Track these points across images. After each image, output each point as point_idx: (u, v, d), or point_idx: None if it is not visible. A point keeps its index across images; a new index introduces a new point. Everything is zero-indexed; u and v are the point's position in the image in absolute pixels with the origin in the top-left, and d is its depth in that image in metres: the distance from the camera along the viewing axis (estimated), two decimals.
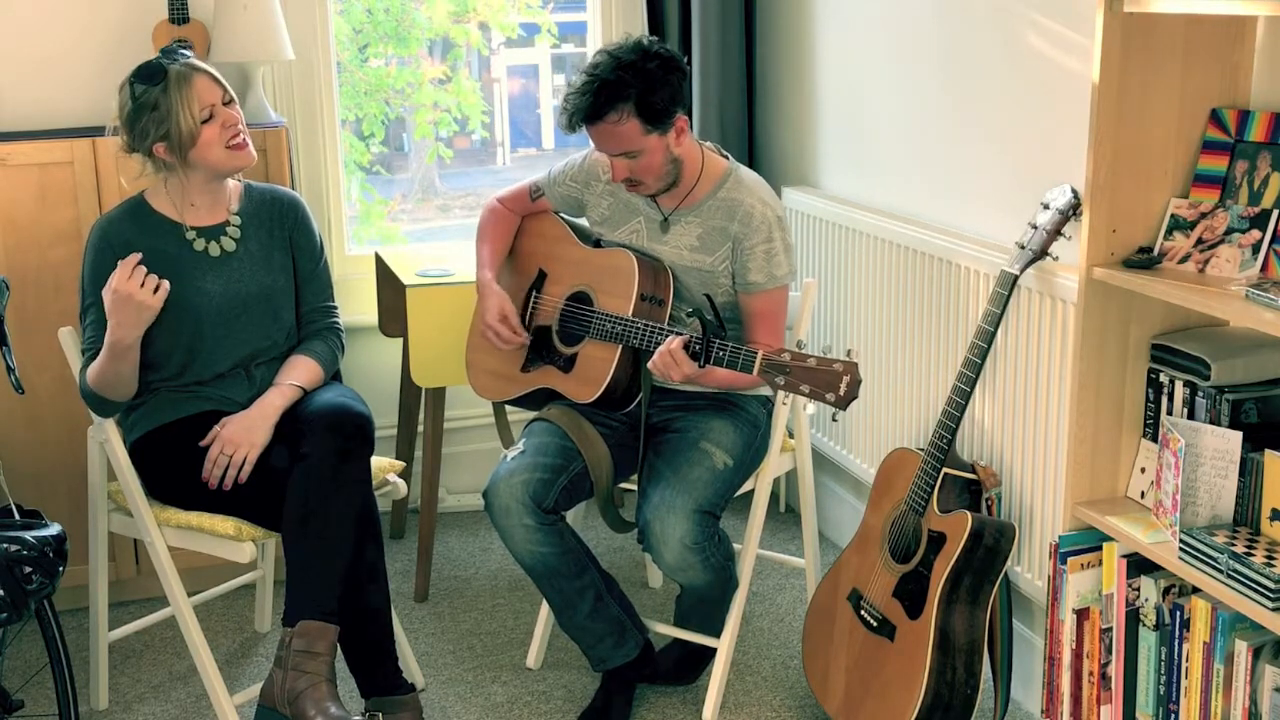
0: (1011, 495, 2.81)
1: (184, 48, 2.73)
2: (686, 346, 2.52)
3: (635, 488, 2.81)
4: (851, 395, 2.38)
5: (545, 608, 3.08)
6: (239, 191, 2.84)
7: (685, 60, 2.76)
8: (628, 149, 2.62)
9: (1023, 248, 2.56)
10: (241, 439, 2.65)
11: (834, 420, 2.53)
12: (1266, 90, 2.27)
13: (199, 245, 2.76)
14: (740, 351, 2.47)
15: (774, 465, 2.93)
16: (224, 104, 2.70)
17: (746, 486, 2.88)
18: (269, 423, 2.68)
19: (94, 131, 3.29)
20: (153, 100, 2.65)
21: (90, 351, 2.70)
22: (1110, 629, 2.38)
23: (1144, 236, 2.33)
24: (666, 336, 2.60)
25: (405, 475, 3.01)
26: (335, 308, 2.93)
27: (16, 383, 2.62)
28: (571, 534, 2.73)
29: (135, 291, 2.57)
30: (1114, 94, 2.24)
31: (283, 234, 2.85)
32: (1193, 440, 2.21)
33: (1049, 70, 2.68)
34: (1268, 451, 2.14)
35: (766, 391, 2.91)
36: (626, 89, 2.57)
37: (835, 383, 2.38)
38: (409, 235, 4.67)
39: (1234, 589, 2.07)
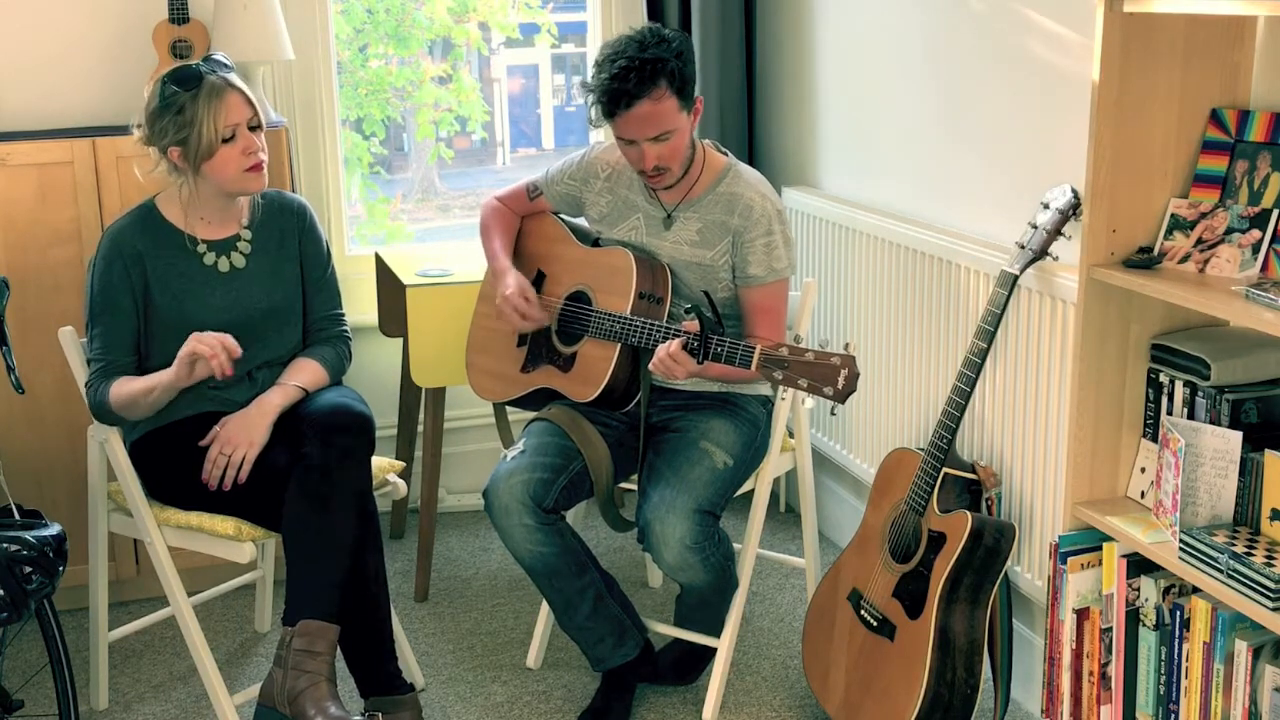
0: (1011, 495, 2.81)
1: (226, 63, 2.71)
2: (685, 346, 2.52)
3: (635, 487, 2.81)
4: (849, 389, 2.38)
5: (545, 608, 3.08)
6: (248, 202, 2.83)
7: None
8: (665, 128, 2.64)
9: (1023, 248, 2.56)
10: (240, 439, 2.65)
11: (832, 414, 2.53)
12: (1266, 90, 2.27)
13: (209, 259, 2.75)
14: (738, 347, 2.48)
15: (774, 465, 2.93)
16: (250, 127, 2.67)
17: (746, 486, 2.88)
18: (268, 421, 2.68)
19: (94, 131, 3.29)
20: (180, 104, 2.63)
21: (101, 364, 2.69)
22: (1110, 629, 2.38)
23: (1144, 236, 2.33)
24: (665, 334, 2.60)
25: (405, 475, 3.01)
26: (343, 315, 2.92)
27: (16, 383, 2.62)
28: (571, 534, 2.73)
29: (211, 362, 2.57)
30: (1114, 94, 2.24)
31: (293, 245, 2.84)
32: (1193, 440, 2.21)
33: (1049, 70, 2.68)
34: (1268, 451, 2.13)
35: (767, 391, 2.91)
36: (663, 63, 2.61)
37: (833, 376, 2.38)
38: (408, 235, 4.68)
39: (1234, 589, 2.07)
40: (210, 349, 2.56)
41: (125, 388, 2.67)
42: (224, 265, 2.76)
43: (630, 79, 2.59)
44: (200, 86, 2.63)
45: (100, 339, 2.70)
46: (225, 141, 2.64)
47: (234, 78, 2.68)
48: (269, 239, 2.81)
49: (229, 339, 2.60)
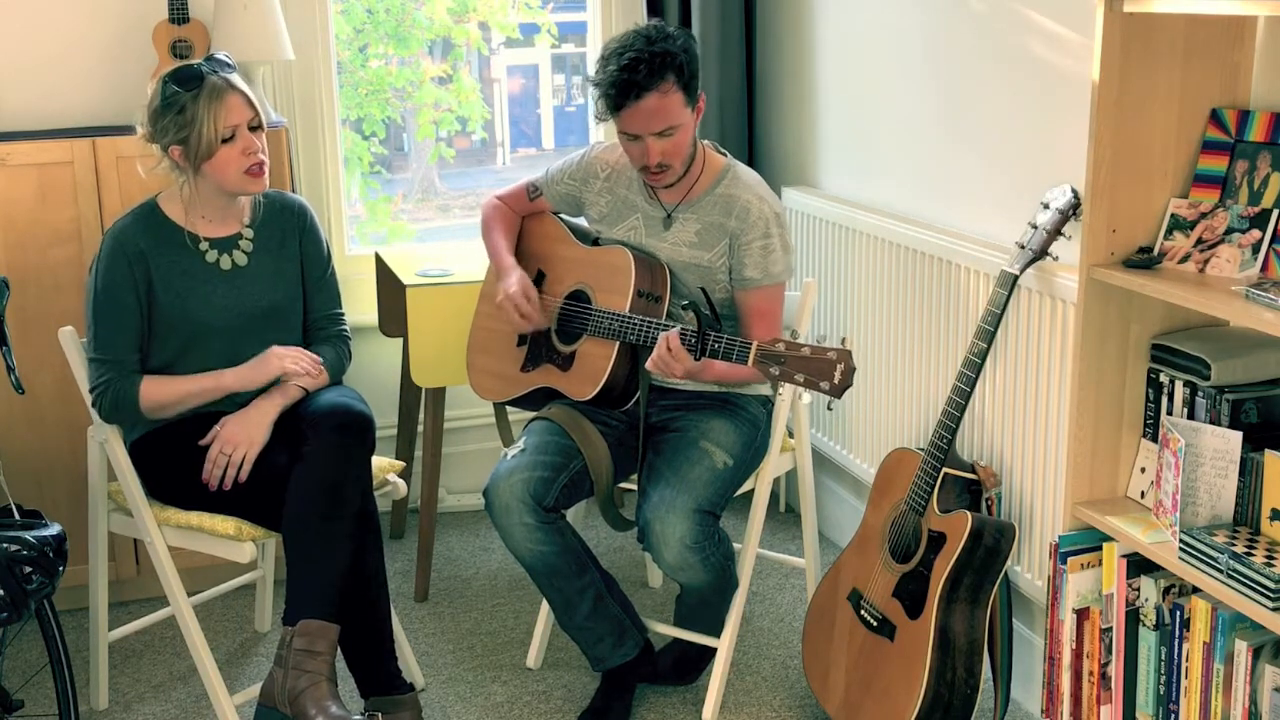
0: (1011, 495, 2.81)
1: (228, 63, 2.71)
2: (682, 339, 2.52)
3: (635, 487, 2.81)
4: (846, 383, 2.38)
5: (545, 608, 3.08)
6: (250, 201, 2.82)
7: None
8: (670, 123, 2.64)
9: (1023, 248, 2.56)
10: (240, 438, 2.65)
11: (829, 409, 2.53)
12: (1266, 90, 2.27)
13: (211, 257, 2.75)
14: (735, 343, 2.48)
15: (774, 465, 2.93)
16: (250, 128, 2.67)
17: (746, 486, 2.88)
18: (268, 420, 2.68)
19: (94, 131, 3.29)
20: (180, 104, 2.63)
21: (108, 363, 2.68)
22: (1110, 629, 2.38)
23: (1144, 236, 2.33)
24: (664, 331, 2.60)
25: (405, 475, 3.01)
26: (343, 315, 2.92)
27: (16, 383, 2.62)
28: (572, 533, 2.73)
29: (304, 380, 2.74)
30: (1114, 94, 2.24)
31: (293, 245, 2.84)
32: (1193, 440, 2.21)
33: (1049, 70, 2.68)
34: (1268, 451, 2.13)
35: (766, 391, 2.91)
36: (671, 57, 2.61)
37: (830, 371, 2.38)
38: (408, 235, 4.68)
39: (1234, 589, 2.07)
40: (306, 372, 2.72)
41: (168, 389, 2.69)
42: (226, 263, 2.76)
43: (640, 70, 2.59)
44: (201, 87, 2.63)
45: (104, 338, 2.69)
46: (225, 142, 2.64)
47: (235, 78, 2.68)
48: (270, 238, 2.81)
49: (310, 354, 2.76)
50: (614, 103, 2.64)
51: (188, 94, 2.63)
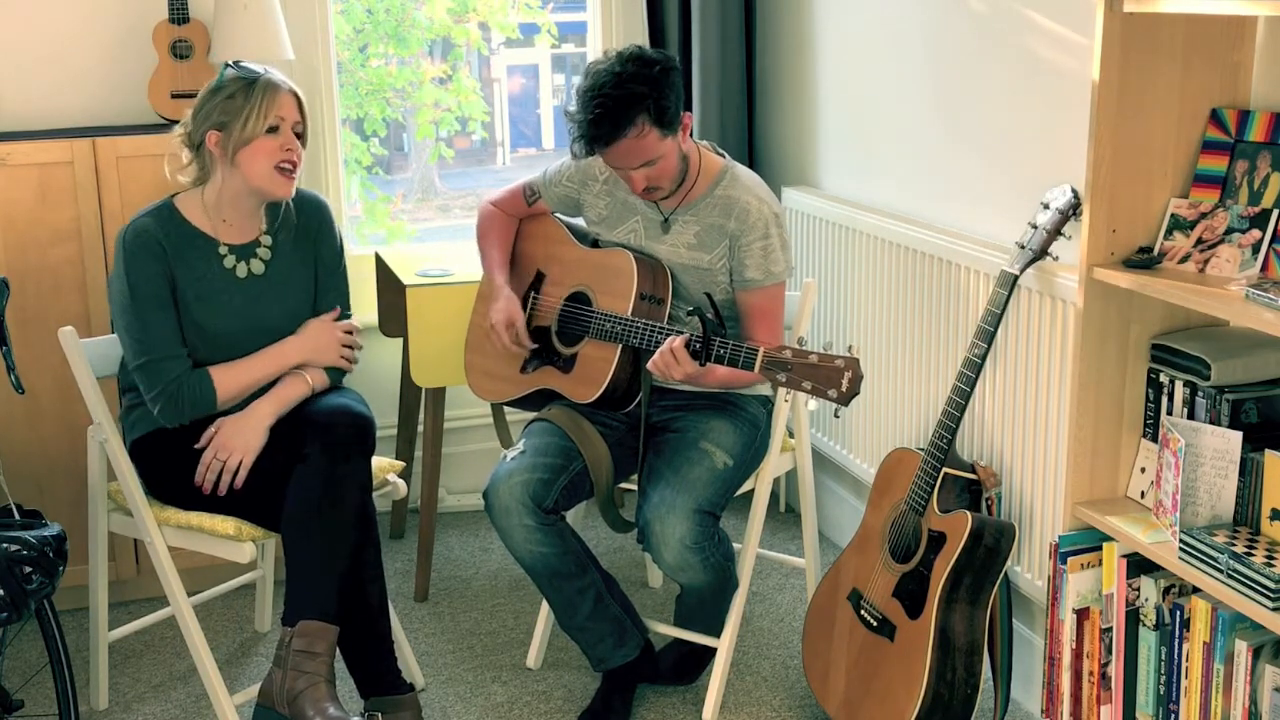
0: (1011, 495, 2.81)
1: (283, 76, 2.73)
2: (687, 345, 2.52)
3: (635, 488, 2.81)
4: (854, 391, 2.38)
5: (545, 607, 3.08)
6: (270, 207, 2.81)
7: (679, 59, 2.77)
8: (648, 159, 2.63)
9: (1023, 248, 2.56)
10: (236, 444, 2.64)
11: (836, 417, 2.53)
12: (1266, 90, 2.27)
13: (229, 263, 2.73)
14: (741, 349, 2.48)
15: (774, 465, 2.93)
16: (294, 129, 2.68)
17: (746, 486, 2.88)
18: (264, 426, 2.67)
19: (94, 131, 3.29)
20: (232, 91, 2.64)
21: (170, 359, 2.64)
22: (1110, 629, 2.38)
23: (1144, 236, 2.33)
24: (666, 336, 2.60)
25: (405, 475, 3.01)
26: (350, 317, 2.91)
27: (16, 382, 2.62)
28: (572, 534, 2.73)
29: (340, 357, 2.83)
30: (1114, 94, 2.24)
31: (309, 247, 2.82)
32: (1193, 440, 2.21)
33: (1049, 70, 2.69)
34: (1268, 451, 2.13)
35: (766, 391, 2.91)
36: (641, 100, 2.57)
37: (837, 379, 2.38)
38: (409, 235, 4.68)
39: (1234, 589, 2.07)
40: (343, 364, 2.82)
41: (238, 376, 2.70)
42: (242, 271, 2.74)
43: (604, 124, 2.57)
44: (259, 79, 2.65)
45: (155, 335, 2.64)
46: (267, 132, 2.64)
47: (293, 84, 2.70)
48: (286, 242, 2.79)
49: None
50: (587, 149, 2.64)
51: (243, 83, 2.64)
